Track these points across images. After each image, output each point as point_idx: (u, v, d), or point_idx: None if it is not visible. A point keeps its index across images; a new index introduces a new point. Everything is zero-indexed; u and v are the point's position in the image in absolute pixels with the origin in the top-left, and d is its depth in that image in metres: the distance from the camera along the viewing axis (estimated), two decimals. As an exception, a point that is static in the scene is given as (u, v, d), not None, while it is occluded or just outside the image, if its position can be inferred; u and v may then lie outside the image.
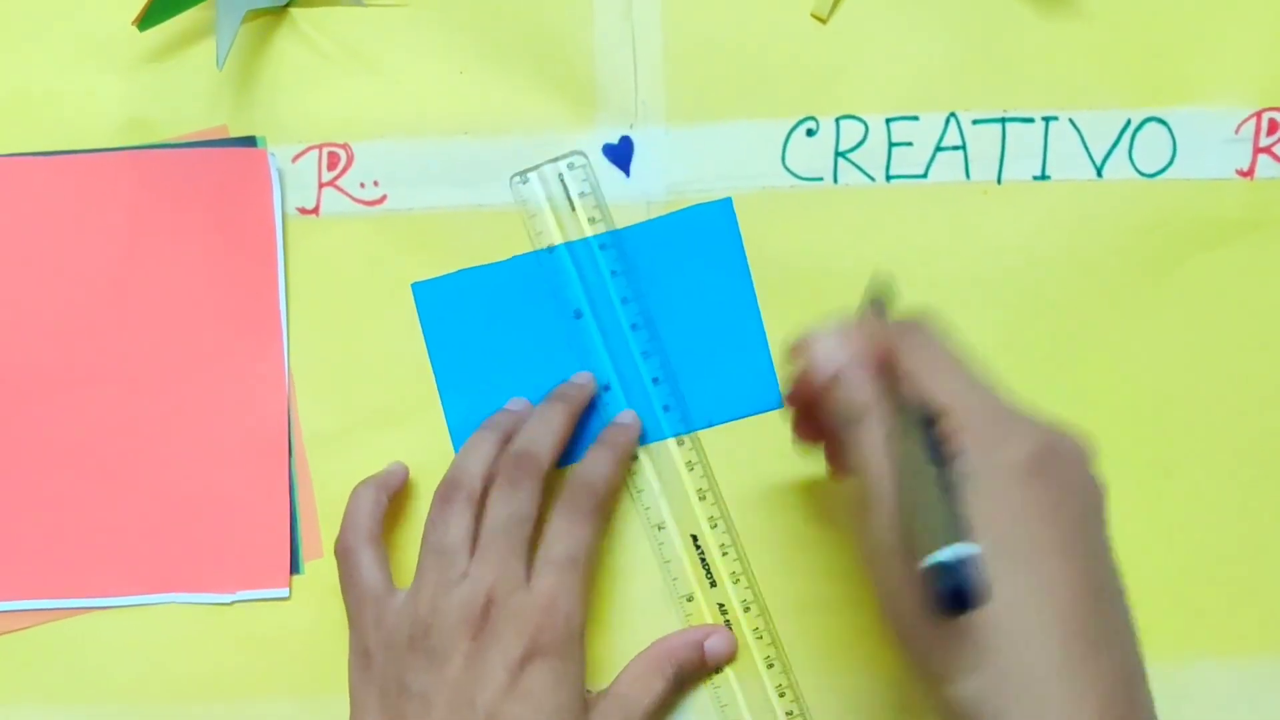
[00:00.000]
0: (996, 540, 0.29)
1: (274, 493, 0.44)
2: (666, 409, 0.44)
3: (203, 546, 0.44)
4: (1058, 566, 0.30)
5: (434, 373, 0.44)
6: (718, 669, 0.43)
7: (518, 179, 0.43)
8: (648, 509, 0.44)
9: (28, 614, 0.44)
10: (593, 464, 0.42)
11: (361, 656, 0.40)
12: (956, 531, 0.28)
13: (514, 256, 0.44)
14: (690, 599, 0.43)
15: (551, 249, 0.44)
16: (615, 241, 0.44)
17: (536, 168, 0.44)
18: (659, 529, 0.43)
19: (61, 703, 0.44)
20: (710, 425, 0.44)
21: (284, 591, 0.44)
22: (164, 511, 0.44)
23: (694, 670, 0.42)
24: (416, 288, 0.44)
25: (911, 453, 0.31)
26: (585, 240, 0.44)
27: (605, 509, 0.42)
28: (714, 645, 0.42)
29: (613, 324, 0.44)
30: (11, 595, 0.44)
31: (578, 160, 0.44)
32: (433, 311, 0.44)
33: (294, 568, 0.44)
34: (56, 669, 0.44)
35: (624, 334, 0.44)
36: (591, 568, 0.41)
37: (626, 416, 0.44)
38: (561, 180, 0.44)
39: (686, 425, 0.44)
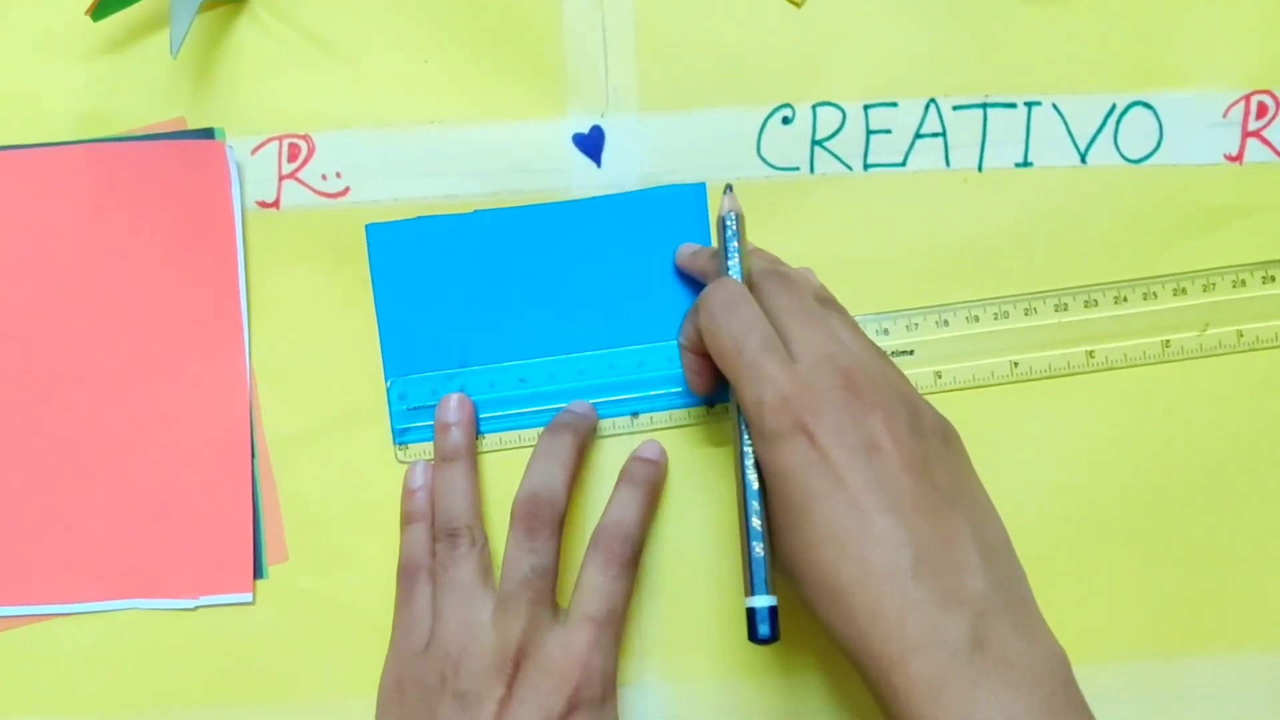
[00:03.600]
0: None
1: (236, 496, 0.43)
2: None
3: (164, 551, 0.43)
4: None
5: (377, 318, 0.43)
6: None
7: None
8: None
9: (-15, 622, 0.43)
10: (623, 507, 0.41)
11: (395, 688, 0.40)
12: (765, 582, 0.35)
13: (475, 211, 0.43)
14: None
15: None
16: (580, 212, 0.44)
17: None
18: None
19: (20, 714, 0.43)
20: (649, 412, 0.43)
21: (248, 596, 0.43)
22: (124, 516, 0.43)
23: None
24: (370, 229, 0.43)
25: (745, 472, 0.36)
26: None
27: (639, 555, 0.42)
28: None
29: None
30: (-33, 603, 0.43)
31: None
32: (384, 255, 0.43)
33: (258, 572, 0.43)
34: (15, 679, 0.43)
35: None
36: (625, 620, 0.41)
37: (650, 449, 0.43)
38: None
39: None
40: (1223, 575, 0.42)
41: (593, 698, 0.38)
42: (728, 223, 0.39)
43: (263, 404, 0.43)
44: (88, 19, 0.42)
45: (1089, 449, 0.43)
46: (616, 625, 0.39)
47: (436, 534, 0.41)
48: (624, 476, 0.42)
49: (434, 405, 0.43)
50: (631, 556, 0.41)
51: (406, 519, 0.42)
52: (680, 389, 0.43)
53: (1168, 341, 0.43)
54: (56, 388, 0.43)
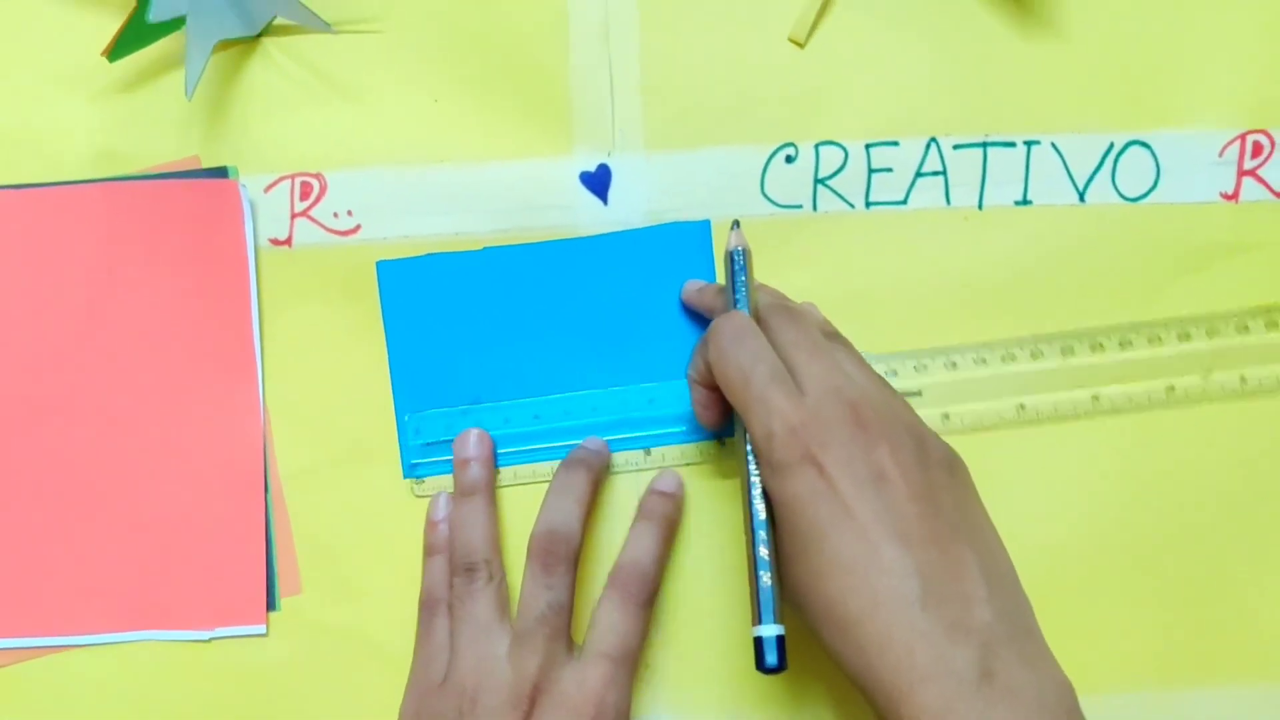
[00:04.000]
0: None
1: (250, 528, 0.43)
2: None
3: (179, 583, 0.43)
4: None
5: (388, 355, 0.44)
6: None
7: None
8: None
9: (1, 653, 0.43)
10: (640, 545, 0.41)
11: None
12: (773, 611, 0.35)
13: (484, 248, 0.44)
14: None
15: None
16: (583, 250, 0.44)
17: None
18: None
19: (35, 744, 0.43)
20: (661, 447, 0.44)
21: (261, 628, 0.43)
22: (139, 548, 0.44)
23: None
24: (381, 266, 0.44)
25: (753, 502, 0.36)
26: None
27: (656, 594, 0.42)
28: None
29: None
30: (-16, 635, 0.43)
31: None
32: (395, 292, 0.44)
33: (271, 604, 0.43)
34: (30, 711, 0.43)
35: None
36: (641, 657, 0.41)
37: (667, 482, 0.43)
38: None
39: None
40: (1224, 609, 0.43)
41: None
42: (735, 258, 0.39)
43: (275, 438, 0.44)
44: (104, 59, 0.42)
45: (1094, 491, 0.43)
46: (632, 663, 0.40)
47: (454, 568, 0.41)
48: (642, 512, 0.42)
49: (447, 441, 0.43)
50: (649, 596, 0.41)
51: (428, 550, 0.43)
52: (689, 426, 0.44)
53: (1172, 386, 0.43)
54: (72, 423, 0.44)
